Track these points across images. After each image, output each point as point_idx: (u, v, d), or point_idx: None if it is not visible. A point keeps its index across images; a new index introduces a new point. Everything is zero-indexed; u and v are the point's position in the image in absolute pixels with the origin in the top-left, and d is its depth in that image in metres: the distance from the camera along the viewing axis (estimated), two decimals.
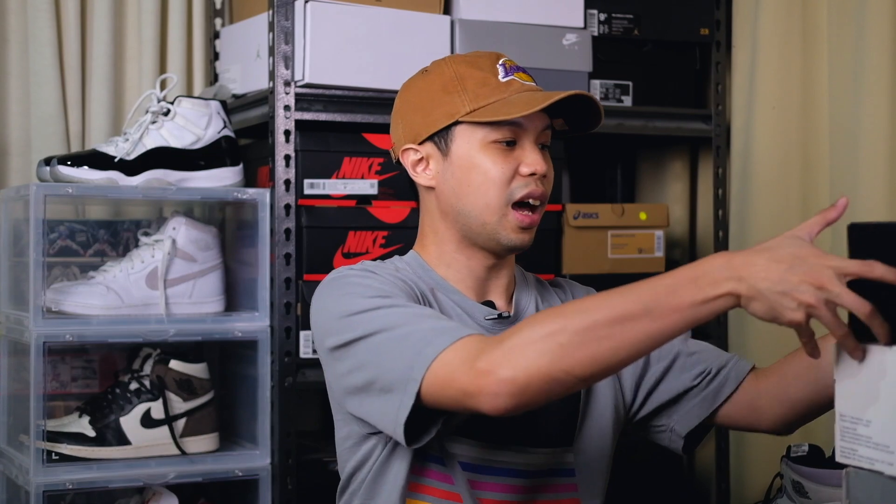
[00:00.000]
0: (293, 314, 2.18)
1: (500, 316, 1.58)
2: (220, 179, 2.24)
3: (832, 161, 2.50)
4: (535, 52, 2.37)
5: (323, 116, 2.23)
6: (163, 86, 2.33)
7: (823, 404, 1.54)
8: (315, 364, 2.16)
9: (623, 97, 2.52)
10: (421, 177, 1.60)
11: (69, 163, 2.13)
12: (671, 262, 2.75)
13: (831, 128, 2.51)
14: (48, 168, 2.14)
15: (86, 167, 2.14)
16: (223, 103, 2.29)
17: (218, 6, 2.66)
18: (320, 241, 2.22)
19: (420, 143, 1.58)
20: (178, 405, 2.18)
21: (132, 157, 2.17)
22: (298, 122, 2.21)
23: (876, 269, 1.14)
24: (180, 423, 2.18)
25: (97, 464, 2.11)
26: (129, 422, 2.15)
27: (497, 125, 1.52)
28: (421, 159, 1.59)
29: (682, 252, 2.86)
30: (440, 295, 1.57)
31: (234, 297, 2.32)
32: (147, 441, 2.15)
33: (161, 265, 2.18)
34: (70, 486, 2.07)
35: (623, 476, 1.96)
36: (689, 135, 2.65)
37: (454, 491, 1.51)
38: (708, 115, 2.64)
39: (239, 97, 2.41)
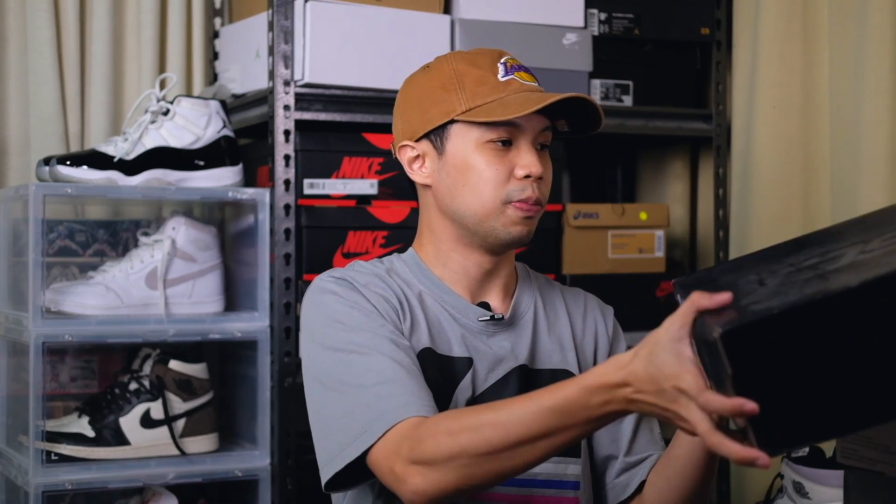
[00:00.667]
0: (293, 314, 2.18)
1: (493, 318, 1.57)
2: (220, 179, 2.24)
3: (833, 161, 2.49)
4: (535, 51, 2.36)
5: (323, 116, 2.23)
6: (162, 85, 2.33)
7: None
8: None
9: (623, 97, 2.51)
10: (417, 174, 1.58)
11: (68, 163, 2.13)
12: (671, 262, 2.75)
13: (832, 127, 2.50)
14: (47, 168, 2.14)
15: (85, 167, 2.13)
16: (223, 103, 2.28)
17: (217, 6, 2.66)
18: (320, 241, 2.21)
19: (417, 141, 1.57)
20: (178, 405, 2.18)
21: (131, 156, 2.17)
22: (298, 122, 2.20)
23: (700, 304, 1.12)
24: (180, 424, 2.18)
25: (96, 464, 2.10)
26: (129, 422, 2.14)
27: (492, 125, 1.51)
28: (417, 157, 1.57)
29: (682, 252, 2.86)
30: (429, 300, 1.55)
31: (234, 297, 2.31)
32: (146, 441, 2.15)
33: (160, 265, 2.18)
34: (69, 487, 2.06)
35: None
36: (690, 134, 2.65)
37: None
38: (708, 115, 2.64)
39: (238, 97, 2.41)
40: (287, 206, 2.19)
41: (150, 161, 2.18)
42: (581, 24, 2.45)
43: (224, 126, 2.26)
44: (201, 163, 2.22)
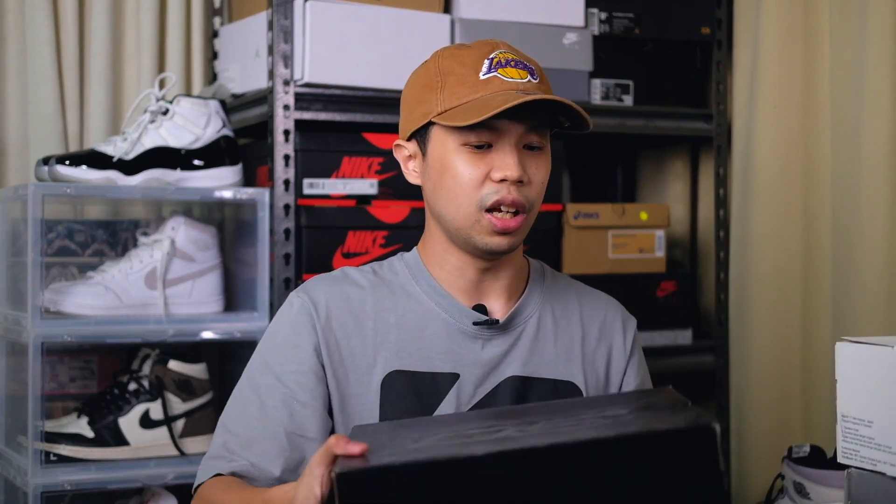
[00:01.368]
0: None
1: (487, 322, 1.52)
2: (219, 179, 2.24)
3: (833, 160, 2.49)
4: (535, 51, 2.34)
5: (322, 116, 2.23)
6: (161, 85, 2.32)
7: None
8: None
9: (624, 96, 2.51)
10: (410, 174, 1.55)
11: (67, 162, 2.13)
12: (672, 262, 2.75)
13: (833, 127, 2.50)
14: (46, 168, 2.13)
15: (84, 167, 2.13)
16: (222, 103, 2.28)
17: (217, 5, 2.65)
18: (320, 241, 2.21)
19: (408, 140, 1.54)
20: (177, 406, 2.18)
21: (131, 156, 2.17)
22: (298, 122, 2.20)
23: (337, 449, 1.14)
24: (179, 424, 2.18)
25: (96, 465, 2.10)
26: (128, 422, 2.14)
27: (467, 128, 1.45)
28: (410, 156, 1.55)
29: (682, 252, 2.86)
30: (423, 304, 1.53)
31: (234, 297, 2.31)
32: (146, 442, 2.15)
33: (160, 265, 2.18)
34: (68, 487, 2.06)
35: None
36: (690, 134, 2.65)
37: None
38: (709, 115, 2.63)
39: (238, 96, 2.41)
40: (287, 206, 2.18)
41: (150, 161, 2.18)
42: (581, 23, 2.45)
43: (223, 126, 2.26)
44: (201, 163, 2.22)
